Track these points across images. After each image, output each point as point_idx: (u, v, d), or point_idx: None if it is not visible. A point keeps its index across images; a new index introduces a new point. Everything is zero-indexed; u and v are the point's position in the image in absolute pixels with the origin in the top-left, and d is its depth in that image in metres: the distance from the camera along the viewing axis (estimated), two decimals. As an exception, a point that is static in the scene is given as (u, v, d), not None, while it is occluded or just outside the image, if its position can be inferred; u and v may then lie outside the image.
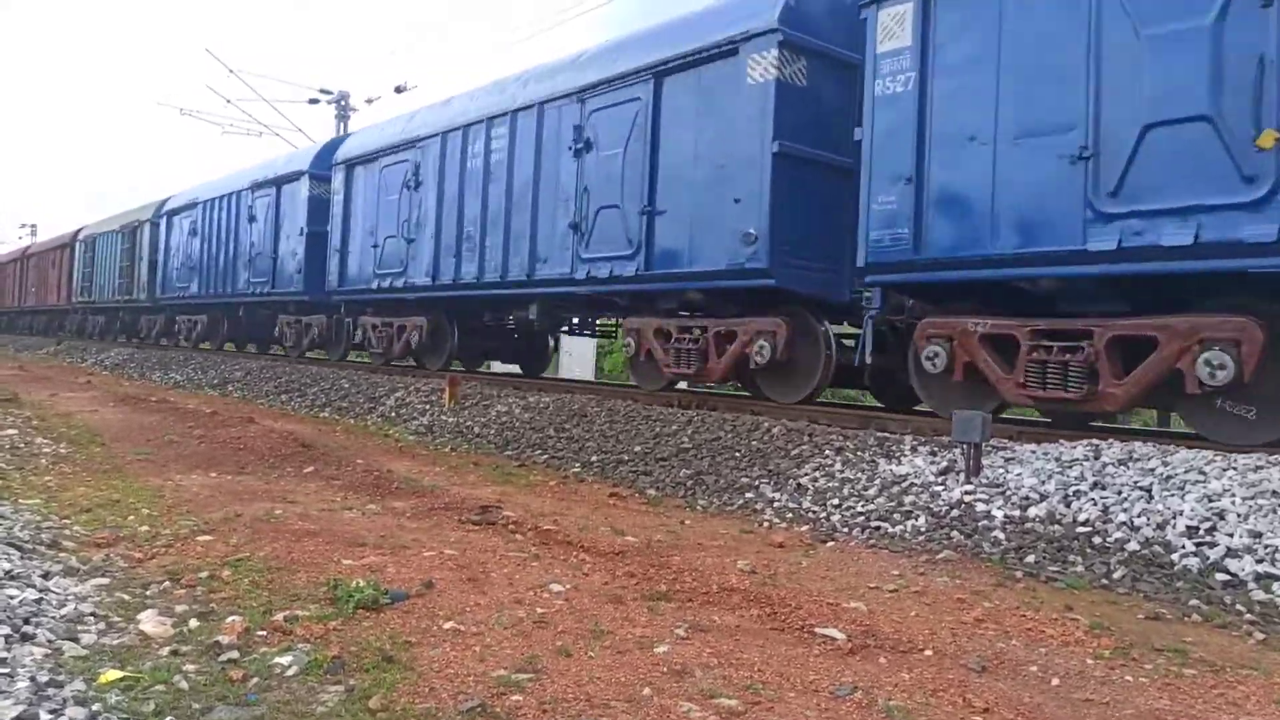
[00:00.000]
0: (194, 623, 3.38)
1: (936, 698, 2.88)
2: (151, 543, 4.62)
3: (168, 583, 3.91)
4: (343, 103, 29.59)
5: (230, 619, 3.38)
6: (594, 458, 7.82)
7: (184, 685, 2.81)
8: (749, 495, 6.35)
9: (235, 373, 16.31)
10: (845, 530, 5.47)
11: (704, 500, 6.46)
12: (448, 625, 3.40)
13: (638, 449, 7.75)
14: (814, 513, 5.82)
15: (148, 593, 3.77)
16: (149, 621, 3.38)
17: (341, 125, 29.53)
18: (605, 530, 5.32)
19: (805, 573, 4.49)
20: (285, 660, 3.00)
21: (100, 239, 26.48)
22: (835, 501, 5.90)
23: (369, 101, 29.35)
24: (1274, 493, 4.61)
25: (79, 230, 29.50)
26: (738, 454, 7.11)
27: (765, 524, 5.76)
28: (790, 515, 5.86)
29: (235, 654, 3.06)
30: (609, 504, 6.36)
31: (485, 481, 7.10)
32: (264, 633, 3.27)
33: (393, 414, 10.96)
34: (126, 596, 3.70)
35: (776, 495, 6.23)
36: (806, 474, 6.42)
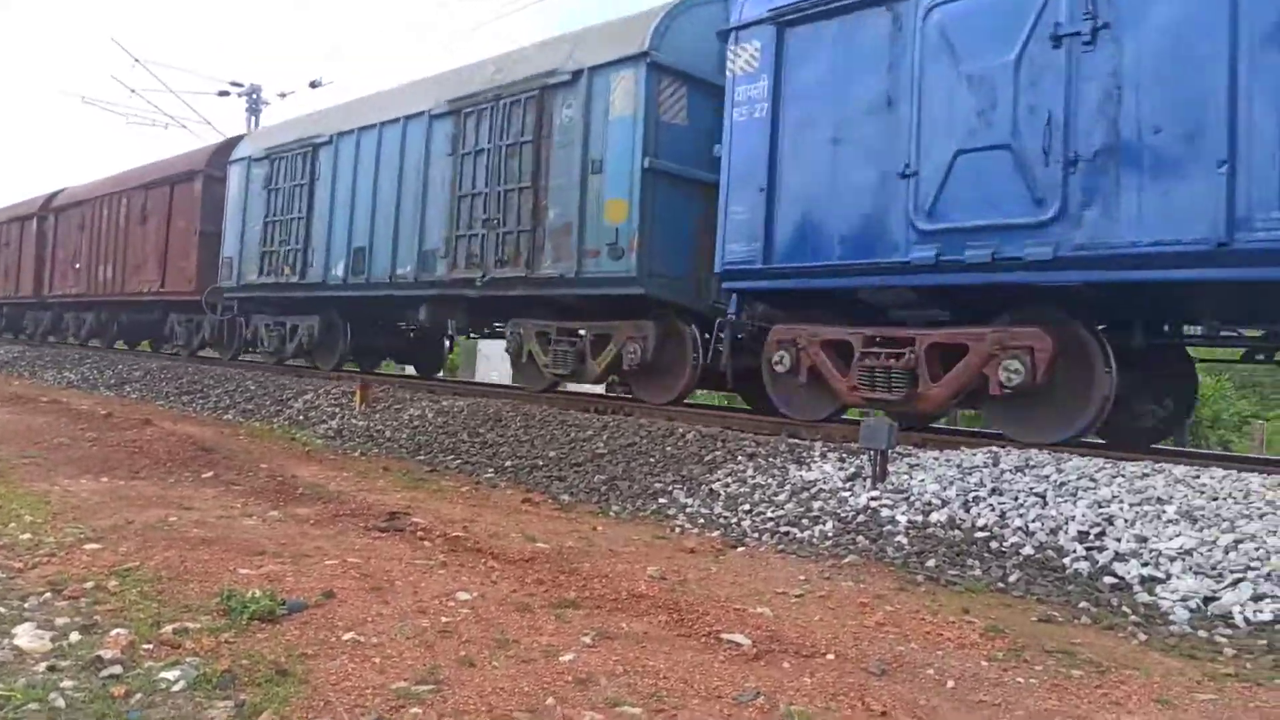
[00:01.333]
0: (75, 636, 3.21)
1: (836, 701, 2.92)
2: (33, 552, 4.38)
3: (49, 594, 3.70)
4: (254, 96, 28.76)
5: (115, 632, 3.22)
6: (508, 463, 7.74)
7: (60, 703, 2.67)
8: (662, 501, 6.37)
9: (134, 373, 15.64)
10: (755, 536, 5.53)
11: (618, 506, 6.45)
12: (347, 636, 3.31)
13: (552, 454, 7.70)
14: (726, 518, 5.86)
15: (26, 605, 3.57)
16: (25, 635, 3.19)
17: (253, 119, 28.68)
18: (516, 537, 5.27)
19: (714, 578, 4.52)
20: (172, 675, 2.87)
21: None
22: (746, 507, 5.96)
23: (282, 96, 28.68)
24: (1159, 499, 4.83)
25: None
26: (652, 459, 7.12)
27: (678, 530, 5.78)
28: (703, 521, 5.90)
29: (118, 669, 2.91)
30: (521, 510, 6.30)
31: (395, 487, 6.95)
32: (150, 646, 3.12)
33: (301, 417, 10.66)
34: (2, 609, 3.49)
35: (689, 501, 6.26)
36: (719, 480, 6.47)
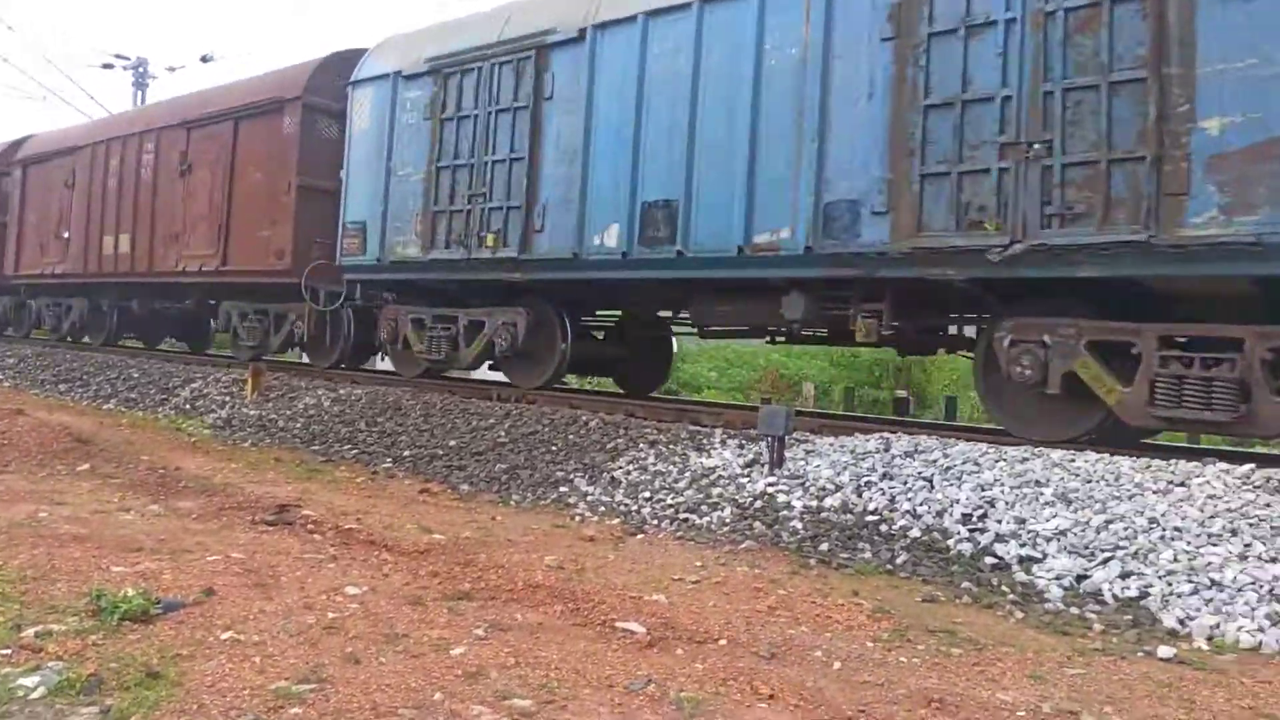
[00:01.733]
0: (-77, 644, 2.99)
1: (726, 686, 2.96)
2: (-120, 553, 4.07)
3: (-105, 599, 3.45)
4: (141, 70, 27.34)
5: (-32, 638, 3.02)
6: (406, 452, 7.59)
7: (-98, 717, 2.48)
8: (563, 489, 6.34)
9: (7, 359, 14.73)
10: (655, 523, 5.56)
11: (518, 495, 6.39)
12: (226, 635, 3.18)
13: (453, 443, 7.58)
14: (626, 506, 5.87)
15: None
16: None
17: (139, 94, 27.28)
18: (412, 528, 5.16)
19: (612, 566, 4.53)
20: (31, 681, 2.70)
21: None
22: (647, 494, 5.98)
23: (171, 70, 27.29)
24: (1037, 482, 5.05)
25: None
26: (554, 448, 7.08)
27: (578, 518, 5.77)
28: (603, 509, 5.89)
29: (-30, 677, 2.73)
30: (419, 500, 6.18)
31: (286, 479, 6.73)
32: (8, 651, 2.93)
33: (188, 406, 10.22)
34: None
35: (590, 489, 6.25)
36: (620, 467, 6.48)
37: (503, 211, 8.64)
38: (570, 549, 4.87)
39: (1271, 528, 4.23)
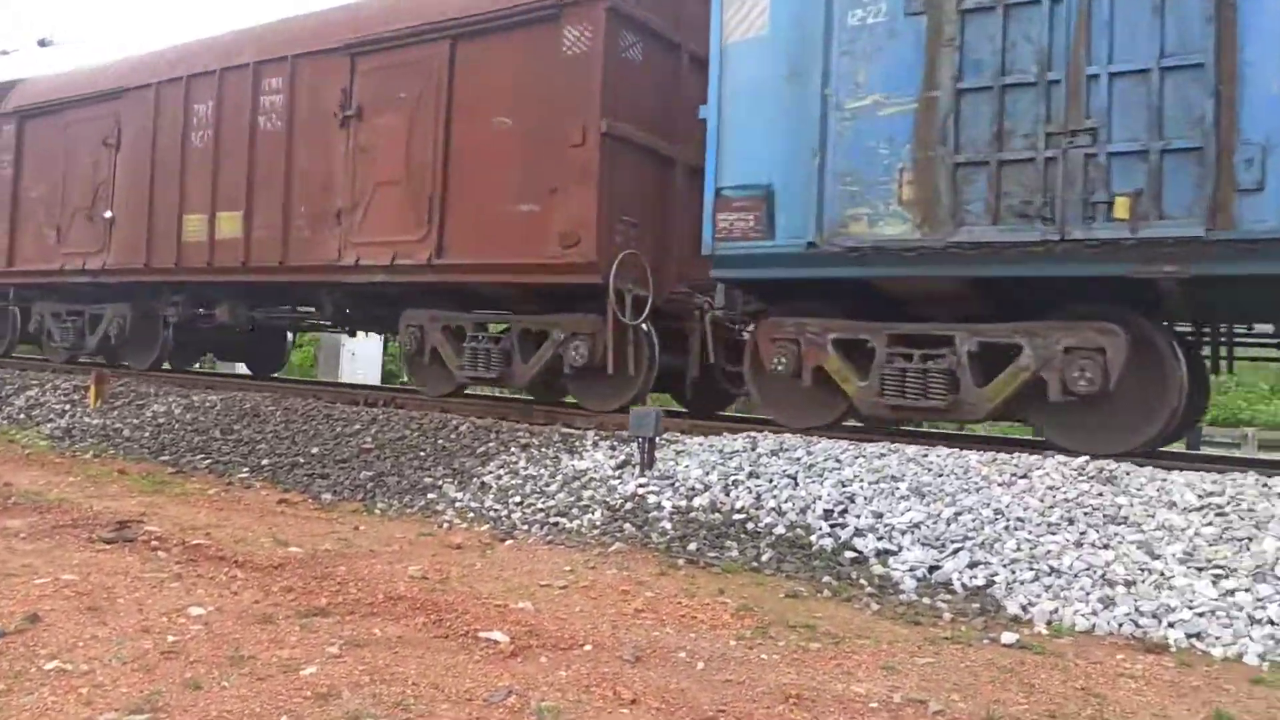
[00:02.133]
0: None
1: (589, 693, 2.93)
2: None
3: None
4: (-33, 50, 25.15)
5: None
6: (265, 461, 7.24)
7: None
8: (431, 496, 6.18)
9: None
10: (525, 528, 5.49)
11: (383, 503, 6.19)
12: (51, 665, 2.94)
13: (315, 451, 7.29)
14: (496, 511, 5.78)
15: None
16: None
17: (-33, 76, 25.13)
18: (267, 542, 4.92)
19: (479, 574, 4.43)
20: None
21: None
22: (518, 499, 5.90)
23: (4, 54, 25.27)
24: (893, 477, 5.24)
25: None
26: (423, 453, 6.91)
27: (445, 525, 5.63)
28: (472, 515, 5.78)
29: None
30: (276, 512, 5.91)
31: (130, 492, 6.31)
32: None
33: (22, 415, 9.47)
34: None
35: (459, 495, 6.12)
36: (491, 472, 6.38)
37: (1146, 159, 5.18)
38: (436, 558, 4.75)
39: (1104, 516, 4.52)
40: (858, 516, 4.94)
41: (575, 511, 5.58)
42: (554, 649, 3.36)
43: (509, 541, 5.24)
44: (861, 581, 4.41)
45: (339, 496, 6.42)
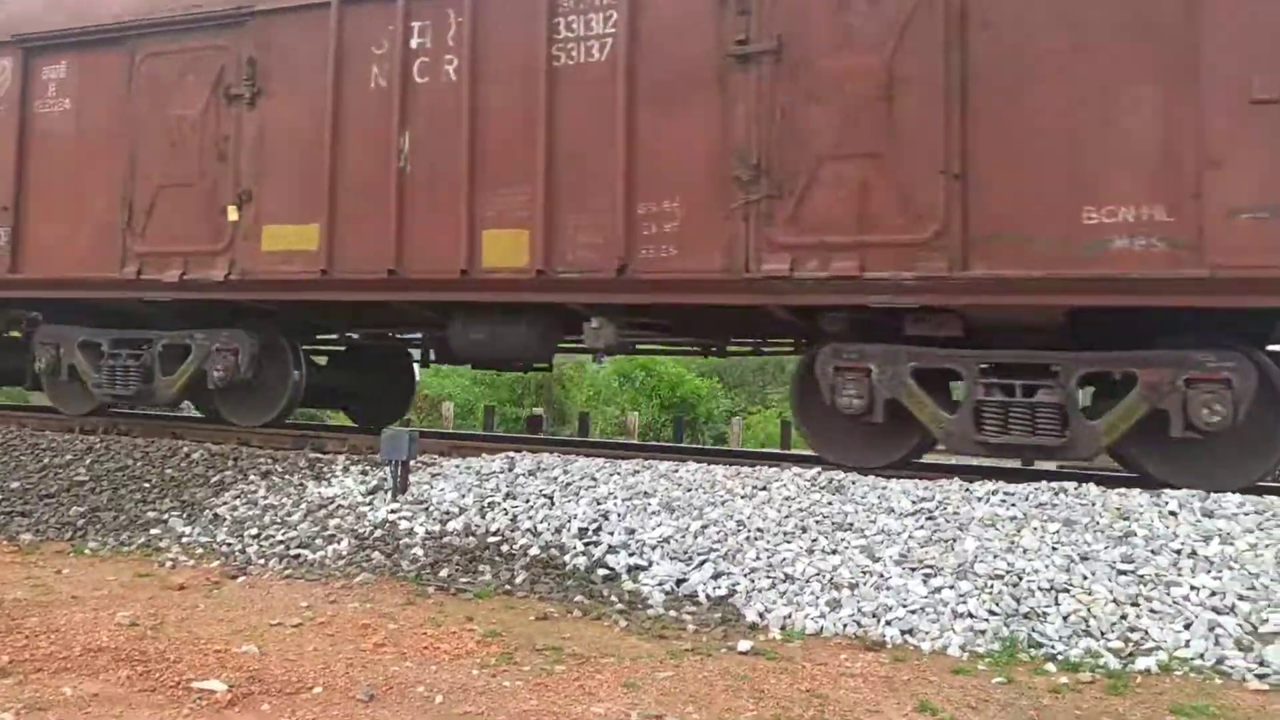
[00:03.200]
0: None
1: (312, 741, 2.73)
2: None
3: None
4: None
5: None
6: (-51, 500, 6.28)
7: None
8: (154, 532, 5.61)
9: None
10: (261, 562, 5.10)
11: (96, 541, 5.55)
12: None
13: (15, 485, 6.43)
14: (229, 545, 5.33)
15: None
16: None
17: None
18: (-60, 594, 4.25)
19: (200, 617, 4.05)
20: None
21: None
22: (254, 531, 5.48)
23: None
24: (645, 493, 5.34)
25: None
26: (147, 484, 6.27)
27: (169, 563, 5.11)
28: (201, 551, 5.30)
29: None
30: (-42, 558, 5.13)
31: None
32: None
33: None
34: None
35: (188, 529, 5.60)
36: (225, 502, 5.89)
37: None
38: (152, 601, 4.29)
39: (833, 523, 4.83)
40: (611, 534, 4.98)
41: (319, 542, 5.26)
42: (279, 694, 3.11)
43: (241, 578, 4.84)
44: (613, 599, 4.45)
45: (43, 536, 5.70)
